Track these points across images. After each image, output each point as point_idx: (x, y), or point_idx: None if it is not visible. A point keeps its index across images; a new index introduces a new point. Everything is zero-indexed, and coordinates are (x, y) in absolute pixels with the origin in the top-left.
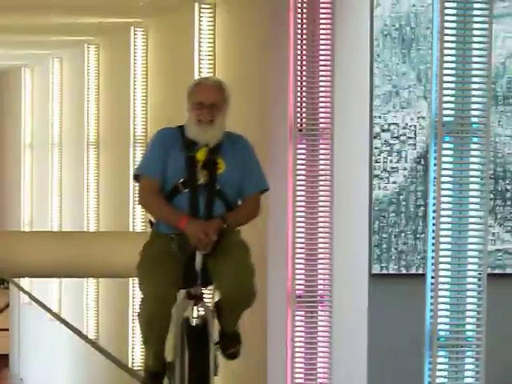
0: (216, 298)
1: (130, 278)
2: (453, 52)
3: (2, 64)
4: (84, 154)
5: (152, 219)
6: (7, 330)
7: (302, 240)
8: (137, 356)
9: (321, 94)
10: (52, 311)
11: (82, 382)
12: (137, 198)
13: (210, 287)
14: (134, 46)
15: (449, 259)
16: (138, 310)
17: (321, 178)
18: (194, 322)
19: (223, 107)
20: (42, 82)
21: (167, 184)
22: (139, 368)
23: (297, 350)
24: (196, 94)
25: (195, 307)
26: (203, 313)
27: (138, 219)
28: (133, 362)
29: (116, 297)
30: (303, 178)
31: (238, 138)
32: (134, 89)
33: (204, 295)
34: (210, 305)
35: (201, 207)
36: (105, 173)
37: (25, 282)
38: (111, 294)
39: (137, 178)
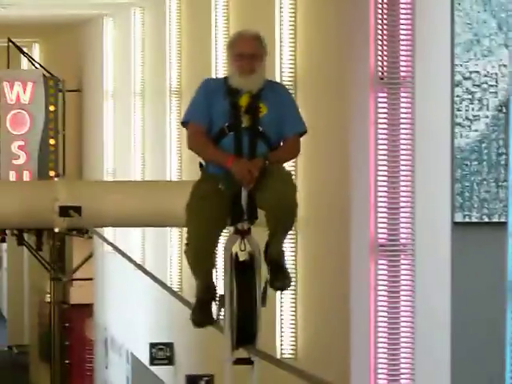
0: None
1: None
2: None
3: (83, 13)
4: (166, 103)
5: (202, 162)
6: (91, 279)
7: (385, 189)
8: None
9: (402, 43)
10: (134, 260)
11: (163, 332)
12: None
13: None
14: None
15: None
16: (185, 250)
17: (402, 126)
18: (242, 257)
19: (262, 57)
20: (123, 31)
21: (213, 128)
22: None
23: (379, 298)
24: (237, 45)
25: (244, 242)
26: (250, 248)
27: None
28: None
29: None
30: (385, 126)
31: (277, 84)
32: (216, 36)
33: (251, 231)
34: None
35: (245, 148)
36: None
37: (108, 232)
38: None
39: (184, 124)
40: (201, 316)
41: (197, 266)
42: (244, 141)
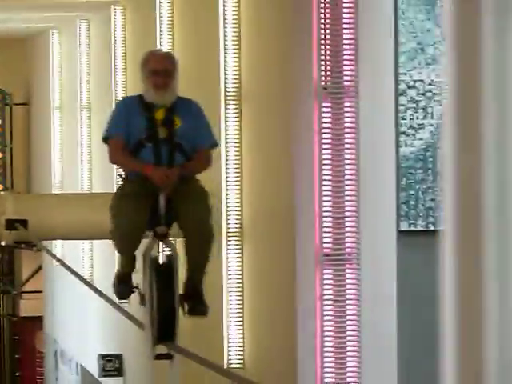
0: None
1: None
2: None
3: (30, 27)
4: None
5: (122, 175)
6: (41, 291)
7: (329, 199)
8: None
9: (345, 52)
10: (77, 274)
11: (113, 343)
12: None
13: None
14: (160, 6)
15: None
16: (110, 232)
17: (347, 136)
18: (161, 260)
19: (174, 74)
20: (69, 44)
21: (132, 142)
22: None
23: (325, 308)
24: (150, 63)
25: (162, 245)
26: (169, 251)
27: None
28: None
29: None
30: (329, 136)
31: (189, 101)
32: (161, 48)
33: (169, 235)
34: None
35: (163, 158)
36: None
37: (57, 245)
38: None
39: (105, 140)
40: (123, 287)
41: (121, 254)
42: (162, 151)
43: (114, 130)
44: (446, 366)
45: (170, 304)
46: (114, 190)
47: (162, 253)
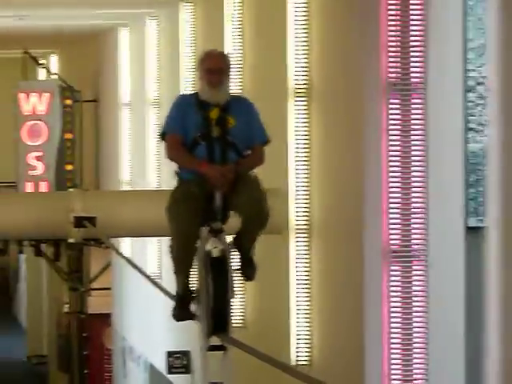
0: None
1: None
2: None
3: (99, 24)
4: None
5: (177, 170)
6: (109, 289)
7: (398, 195)
8: (237, 315)
9: (413, 49)
10: (143, 272)
11: (180, 340)
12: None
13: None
14: (228, 3)
15: None
16: (169, 247)
17: (415, 132)
18: (214, 254)
19: (228, 72)
20: (138, 41)
21: (188, 139)
22: (240, 325)
23: (392, 304)
24: (206, 62)
25: (216, 240)
26: (222, 246)
27: None
28: (234, 323)
29: None
30: (397, 132)
31: (243, 99)
32: (232, 46)
33: (224, 230)
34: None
35: (217, 156)
36: None
37: (126, 242)
38: None
39: (162, 136)
40: (181, 312)
41: (180, 262)
42: (216, 149)
43: (170, 127)
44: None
45: (224, 297)
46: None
47: (216, 247)
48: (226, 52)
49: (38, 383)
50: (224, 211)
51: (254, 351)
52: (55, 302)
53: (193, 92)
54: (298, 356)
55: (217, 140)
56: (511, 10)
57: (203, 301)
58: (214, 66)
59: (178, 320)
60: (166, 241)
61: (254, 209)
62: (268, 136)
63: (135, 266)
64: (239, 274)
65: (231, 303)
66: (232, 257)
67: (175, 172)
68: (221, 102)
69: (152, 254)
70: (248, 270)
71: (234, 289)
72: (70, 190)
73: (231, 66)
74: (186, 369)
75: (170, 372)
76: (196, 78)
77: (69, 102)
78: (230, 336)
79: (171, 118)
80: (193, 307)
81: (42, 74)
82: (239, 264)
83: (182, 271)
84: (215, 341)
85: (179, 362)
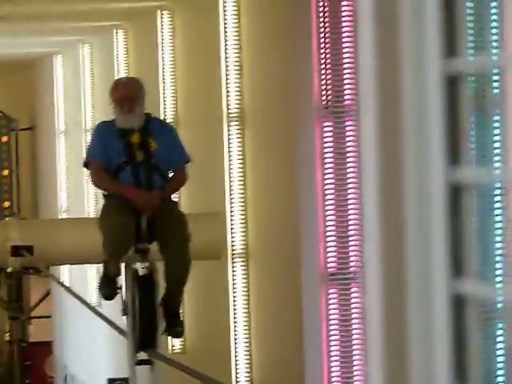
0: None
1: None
2: None
3: (34, 52)
4: None
5: (105, 193)
6: (50, 316)
7: (333, 218)
8: (176, 342)
9: (346, 71)
10: (82, 299)
11: (122, 367)
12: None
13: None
14: (162, 29)
15: None
16: (102, 243)
17: (349, 155)
18: (142, 272)
19: (139, 97)
20: (72, 68)
21: (111, 165)
22: (179, 352)
23: (331, 327)
24: (114, 92)
25: (143, 261)
26: (149, 265)
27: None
28: (173, 347)
29: None
30: (331, 155)
31: (160, 121)
32: (163, 72)
33: (149, 250)
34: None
35: (143, 180)
36: None
37: (65, 269)
38: None
39: (86, 164)
40: (108, 290)
41: (110, 258)
42: (141, 173)
43: (93, 154)
44: None
45: (151, 313)
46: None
47: (143, 267)
48: (135, 78)
49: None
50: (149, 232)
51: (181, 366)
52: None
53: (112, 119)
54: (237, 381)
55: (141, 164)
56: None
57: (131, 316)
58: (122, 95)
59: (105, 298)
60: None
61: (176, 253)
62: (189, 155)
63: (74, 294)
64: (167, 334)
65: (158, 320)
66: (158, 275)
67: (103, 195)
68: (135, 127)
69: (92, 281)
70: (177, 328)
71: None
72: (7, 218)
73: (142, 91)
74: None
75: None
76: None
77: (5, 130)
78: (156, 351)
79: (93, 145)
80: (118, 284)
81: None
82: (167, 325)
83: (112, 259)
84: (143, 355)
85: None
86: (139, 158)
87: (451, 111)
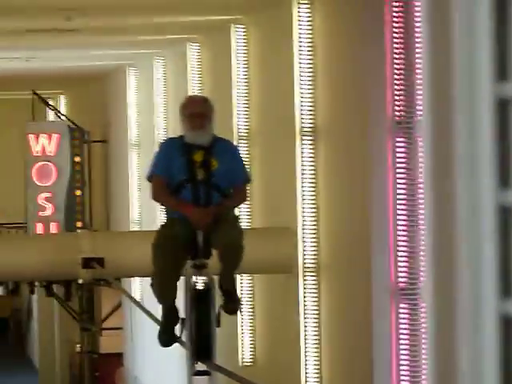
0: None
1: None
2: None
3: (107, 64)
4: None
5: (165, 209)
6: (121, 328)
7: (405, 233)
8: (247, 355)
9: (418, 86)
10: (149, 313)
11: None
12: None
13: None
14: (236, 43)
15: None
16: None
17: (421, 169)
18: (198, 287)
19: (210, 117)
20: (146, 81)
21: (173, 181)
22: (249, 364)
23: (402, 342)
24: (188, 107)
25: (200, 276)
26: (206, 279)
27: (245, 216)
28: (243, 360)
29: None
30: (403, 170)
31: (226, 141)
32: (237, 86)
33: (207, 266)
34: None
35: (201, 197)
36: None
37: (135, 282)
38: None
39: (149, 179)
40: (166, 337)
41: (162, 296)
42: (200, 191)
43: (156, 170)
44: None
45: (207, 326)
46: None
47: (200, 281)
48: (207, 97)
49: None
50: (206, 248)
51: (240, 378)
52: (67, 342)
53: (179, 135)
54: None
55: (201, 182)
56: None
57: (188, 330)
58: (195, 110)
59: (163, 345)
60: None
61: (229, 245)
62: (250, 175)
63: (142, 307)
64: (223, 310)
65: (215, 332)
66: (215, 290)
67: (164, 210)
68: (204, 144)
69: None
70: (230, 304)
71: (218, 319)
72: (79, 231)
73: (213, 110)
74: None
75: None
76: (180, 122)
77: (78, 142)
78: (213, 362)
79: (157, 160)
80: (177, 331)
81: (50, 115)
82: (224, 302)
83: (165, 304)
84: (201, 366)
85: None
86: (200, 176)
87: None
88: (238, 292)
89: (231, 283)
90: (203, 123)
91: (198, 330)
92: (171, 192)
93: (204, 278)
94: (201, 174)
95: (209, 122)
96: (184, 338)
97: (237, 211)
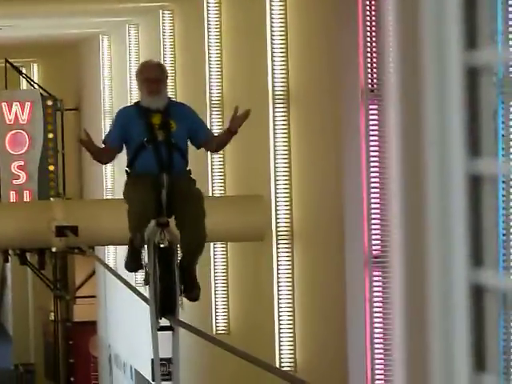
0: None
1: (211, 243)
2: None
3: (80, 32)
4: None
5: (127, 169)
6: (94, 296)
7: (378, 200)
8: (220, 323)
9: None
10: (125, 280)
11: (165, 347)
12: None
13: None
14: (208, 9)
15: None
16: (127, 211)
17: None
18: (162, 245)
19: (164, 80)
20: (119, 48)
21: (133, 144)
22: (223, 332)
23: (375, 310)
24: (144, 72)
25: (164, 233)
26: (169, 237)
27: (217, 183)
28: (217, 328)
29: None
30: (376, 138)
31: (181, 104)
32: (209, 54)
33: (169, 224)
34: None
35: (164, 157)
36: None
37: (110, 249)
38: None
39: (103, 143)
40: (134, 265)
41: (134, 228)
42: (162, 151)
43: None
44: None
45: (171, 282)
46: None
47: (163, 239)
48: (160, 62)
49: None
50: (169, 208)
51: (200, 332)
52: (41, 311)
53: (134, 103)
54: (281, 361)
55: (162, 143)
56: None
57: (152, 286)
58: (150, 76)
59: (130, 270)
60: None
61: (194, 227)
62: (211, 132)
63: (116, 275)
64: (184, 297)
65: (178, 288)
66: (177, 247)
67: (125, 171)
68: (160, 108)
69: None
70: (191, 292)
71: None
72: (52, 199)
73: (167, 74)
74: (171, 376)
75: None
76: (137, 88)
77: (50, 110)
78: (176, 318)
79: (111, 128)
80: (142, 259)
81: (23, 84)
82: (184, 289)
83: (136, 231)
84: (164, 322)
85: (164, 368)
86: (160, 137)
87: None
88: (197, 274)
89: (194, 272)
90: (159, 88)
91: (162, 287)
92: (131, 157)
93: (167, 235)
94: (161, 135)
95: (164, 86)
96: (148, 294)
97: (200, 187)
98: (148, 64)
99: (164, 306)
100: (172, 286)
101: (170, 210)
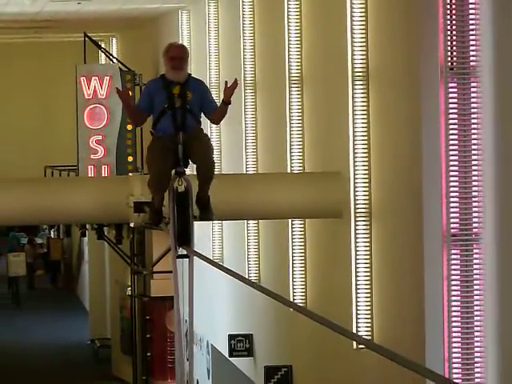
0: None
1: (289, 220)
2: None
3: (159, 7)
4: (242, 96)
5: (152, 130)
6: (171, 272)
7: (457, 178)
8: (298, 301)
9: (471, 32)
10: (203, 255)
11: (243, 323)
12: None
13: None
14: None
15: None
16: (148, 182)
17: (473, 116)
18: (180, 189)
19: (186, 59)
20: (198, 24)
21: (157, 109)
22: (301, 302)
23: (453, 288)
24: (170, 51)
25: (181, 179)
26: (185, 183)
27: (296, 160)
28: (294, 299)
29: (275, 238)
30: (455, 116)
31: (198, 80)
32: (289, 31)
33: (186, 172)
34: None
35: (178, 119)
36: (262, 114)
37: None
38: (271, 235)
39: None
40: (157, 219)
41: (157, 190)
42: (177, 115)
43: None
44: None
45: (187, 220)
46: (243, 171)
47: (180, 184)
48: (184, 44)
49: (101, 366)
50: (185, 158)
51: (213, 262)
52: (118, 285)
53: (160, 75)
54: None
55: (178, 109)
56: None
57: (171, 223)
58: (175, 54)
59: (155, 224)
60: (228, 224)
61: (204, 161)
62: (216, 104)
63: (193, 251)
64: (199, 218)
65: (193, 224)
66: (192, 192)
67: (150, 132)
68: (181, 81)
69: (215, 237)
70: (205, 213)
71: (195, 214)
72: (130, 174)
73: (188, 55)
74: (248, 352)
75: (232, 355)
76: (165, 64)
77: (129, 85)
78: (191, 248)
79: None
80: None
81: (102, 58)
82: (200, 212)
83: (158, 195)
84: (182, 251)
85: (241, 344)
86: (177, 104)
87: None
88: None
89: (206, 196)
90: (181, 65)
91: (179, 223)
92: (155, 120)
93: (184, 182)
94: (178, 102)
95: (185, 63)
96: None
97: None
98: (174, 45)
99: (182, 239)
100: (188, 221)
101: (187, 161)
